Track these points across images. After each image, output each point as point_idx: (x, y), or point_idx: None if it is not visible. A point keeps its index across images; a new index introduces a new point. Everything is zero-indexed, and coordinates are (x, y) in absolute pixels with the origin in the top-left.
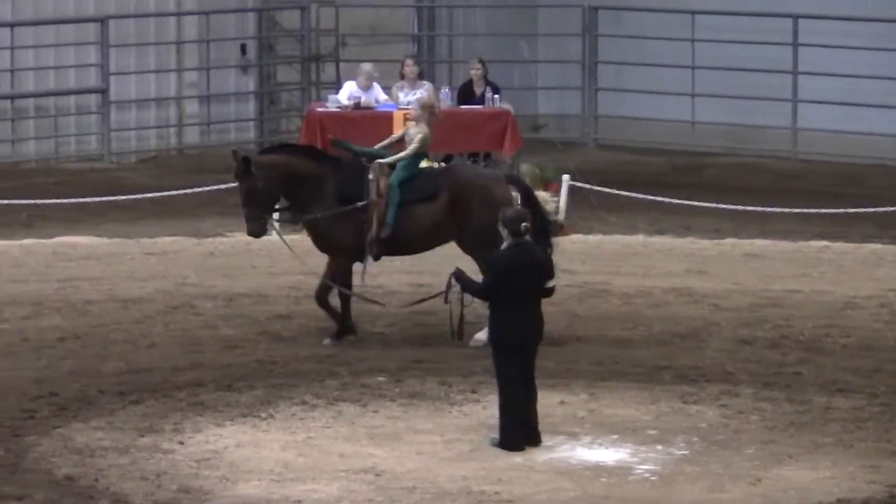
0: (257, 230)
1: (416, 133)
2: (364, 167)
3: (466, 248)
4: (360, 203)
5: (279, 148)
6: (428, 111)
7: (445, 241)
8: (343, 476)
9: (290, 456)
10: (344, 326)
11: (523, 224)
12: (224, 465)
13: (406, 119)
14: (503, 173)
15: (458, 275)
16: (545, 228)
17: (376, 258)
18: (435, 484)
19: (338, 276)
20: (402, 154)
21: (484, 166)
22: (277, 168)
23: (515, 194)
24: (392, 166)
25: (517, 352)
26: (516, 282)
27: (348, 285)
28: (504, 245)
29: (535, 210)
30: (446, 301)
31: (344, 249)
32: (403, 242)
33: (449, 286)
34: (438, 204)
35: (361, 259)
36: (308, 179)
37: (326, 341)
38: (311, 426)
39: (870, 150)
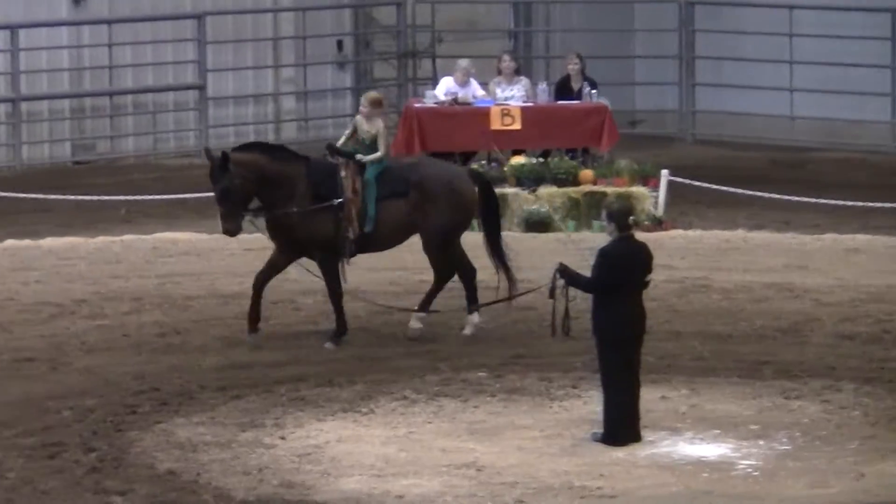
0: (233, 228)
1: (373, 129)
2: (334, 166)
3: (425, 241)
4: (337, 200)
5: (252, 146)
6: (378, 106)
7: (410, 236)
8: (444, 471)
9: (391, 451)
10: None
11: (631, 217)
12: (325, 460)
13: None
14: (467, 168)
15: (563, 269)
16: (497, 225)
17: (351, 256)
18: (536, 479)
19: (332, 273)
20: (377, 154)
21: (581, 161)
22: (254, 166)
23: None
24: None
25: (624, 345)
26: (625, 275)
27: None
28: (611, 239)
29: (493, 207)
30: (551, 296)
31: (324, 246)
32: (376, 239)
33: (554, 281)
34: (409, 200)
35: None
36: (282, 178)
37: (328, 345)
38: (412, 421)
39: None
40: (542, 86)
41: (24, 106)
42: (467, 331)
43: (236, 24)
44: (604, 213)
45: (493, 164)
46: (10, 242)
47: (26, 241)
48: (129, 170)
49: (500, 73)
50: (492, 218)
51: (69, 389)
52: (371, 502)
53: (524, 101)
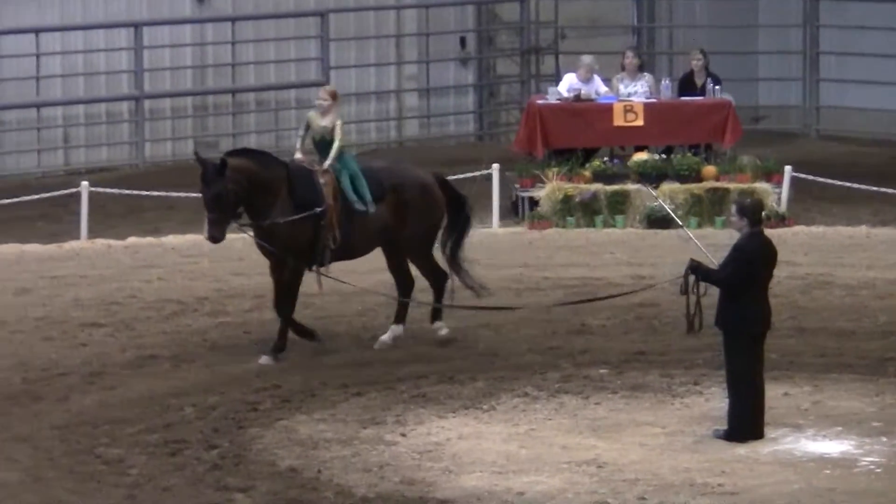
0: (220, 235)
1: (329, 124)
2: (310, 171)
3: (407, 248)
4: (319, 209)
5: (242, 152)
6: (335, 98)
7: (381, 243)
8: (566, 468)
9: (512, 448)
10: (299, 332)
11: (763, 212)
12: (446, 457)
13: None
14: (431, 172)
15: (696, 266)
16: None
17: (328, 264)
18: (658, 476)
19: (295, 283)
20: (333, 152)
21: (703, 158)
22: (248, 172)
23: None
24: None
25: (753, 341)
26: (758, 270)
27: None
28: (742, 234)
29: (465, 211)
30: (684, 292)
31: (303, 254)
32: (353, 246)
33: (687, 277)
34: (386, 206)
35: (316, 264)
36: (270, 185)
37: (263, 359)
38: (533, 418)
39: None
40: (666, 82)
41: (147, 104)
42: (443, 332)
43: (359, 21)
44: (734, 208)
45: (616, 161)
46: (132, 240)
47: (149, 239)
48: None
49: (623, 69)
50: (462, 222)
51: (191, 386)
52: (492, 499)
53: (647, 98)
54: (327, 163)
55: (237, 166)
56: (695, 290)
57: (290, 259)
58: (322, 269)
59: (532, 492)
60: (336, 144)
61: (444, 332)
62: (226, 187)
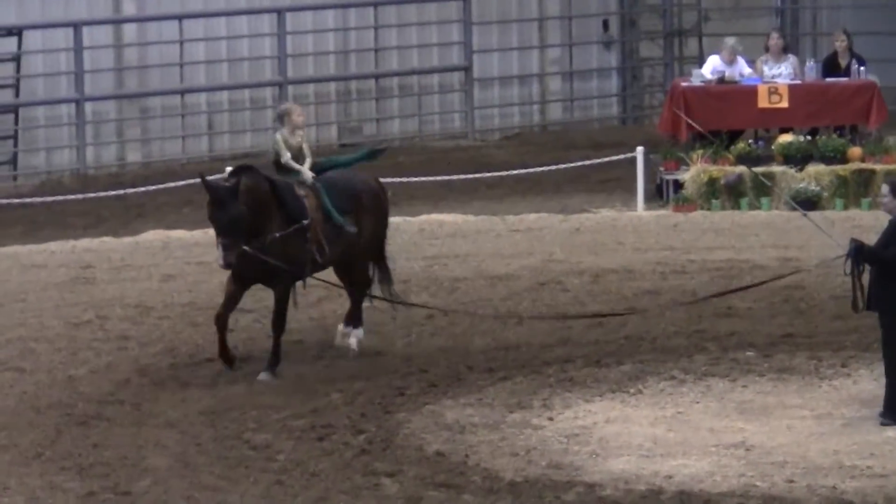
0: (234, 261)
1: (299, 141)
2: (292, 185)
3: (369, 254)
4: (305, 221)
5: (245, 171)
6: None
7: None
8: (713, 451)
9: (659, 431)
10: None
11: None
12: (594, 441)
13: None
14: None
15: (860, 245)
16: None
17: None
18: (806, 458)
19: (287, 298)
20: (308, 168)
21: (849, 140)
22: (258, 192)
23: None
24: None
25: None
26: None
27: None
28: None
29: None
30: (848, 273)
31: (300, 268)
32: (328, 259)
33: (851, 256)
34: (354, 215)
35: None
36: (270, 203)
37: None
38: (680, 401)
39: None
40: (810, 63)
41: (290, 89)
42: (353, 344)
43: (501, 5)
44: (886, 188)
45: (760, 143)
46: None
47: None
48: (394, 152)
49: (767, 50)
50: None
51: (338, 372)
52: (639, 483)
53: (792, 79)
54: (308, 178)
55: (249, 187)
56: (860, 269)
57: (284, 277)
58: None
59: (680, 475)
60: (309, 161)
61: (354, 344)
62: (241, 210)
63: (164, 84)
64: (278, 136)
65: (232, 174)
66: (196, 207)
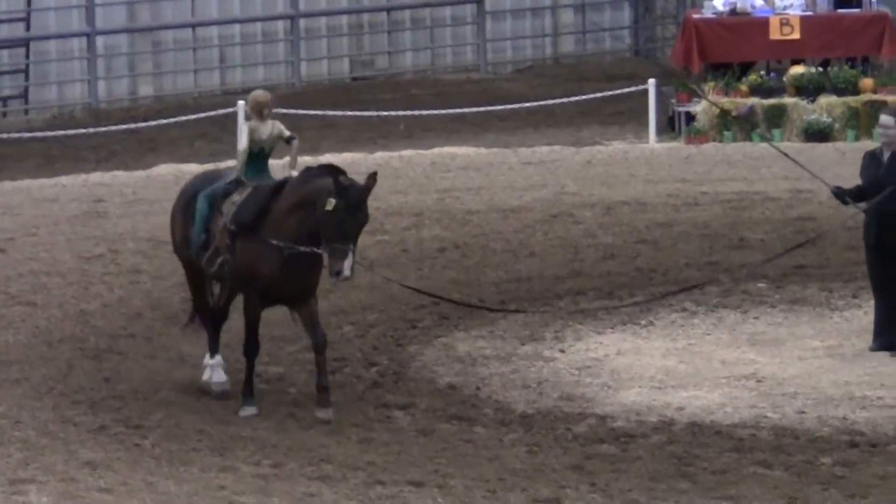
0: None
1: (274, 131)
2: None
3: None
4: None
5: (334, 170)
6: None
7: None
8: (724, 382)
9: (671, 363)
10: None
11: None
12: (605, 373)
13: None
14: None
15: (840, 191)
16: None
17: None
18: (817, 389)
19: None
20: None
21: (861, 71)
22: None
23: None
24: None
25: None
26: None
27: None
28: None
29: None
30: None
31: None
32: None
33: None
34: None
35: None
36: None
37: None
38: (692, 333)
39: None
40: None
41: (302, 23)
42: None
43: None
44: (891, 119)
45: (772, 75)
46: (288, 159)
47: (307, 158)
48: (407, 85)
49: None
50: None
51: (350, 305)
52: (651, 414)
53: (803, 11)
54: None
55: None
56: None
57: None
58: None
59: (691, 406)
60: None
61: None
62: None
63: (175, 17)
64: (249, 126)
65: (320, 174)
66: (209, 140)
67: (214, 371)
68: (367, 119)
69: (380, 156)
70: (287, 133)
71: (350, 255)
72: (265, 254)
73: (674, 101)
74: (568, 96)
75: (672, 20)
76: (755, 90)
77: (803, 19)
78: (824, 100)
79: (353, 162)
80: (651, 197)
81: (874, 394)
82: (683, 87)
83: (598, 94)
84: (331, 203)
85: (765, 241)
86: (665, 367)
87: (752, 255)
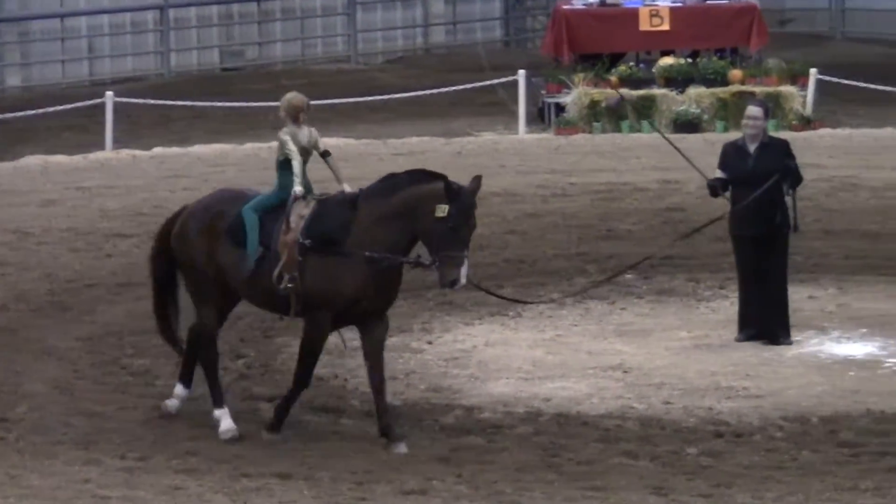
0: None
1: (313, 136)
2: None
3: None
4: None
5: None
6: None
7: None
8: (591, 373)
9: (538, 354)
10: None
11: None
12: (473, 364)
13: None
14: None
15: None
16: None
17: None
18: (683, 380)
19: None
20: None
21: (730, 62)
22: None
23: None
24: None
25: None
26: None
27: None
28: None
29: None
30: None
31: None
32: None
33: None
34: None
35: None
36: None
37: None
38: (560, 324)
39: None
40: None
41: (171, 13)
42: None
43: None
44: (758, 110)
45: (642, 65)
46: (158, 150)
47: (175, 149)
48: (277, 76)
49: None
50: None
51: None
52: (518, 405)
53: (673, 2)
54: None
55: None
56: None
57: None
58: None
59: (558, 397)
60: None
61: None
62: None
63: (44, 7)
64: (288, 132)
65: (416, 179)
66: (77, 132)
67: (223, 419)
68: (237, 110)
69: (250, 147)
70: (322, 146)
71: (465, 263)
72: (350, 268)
73: (544, 92)
74: (439, 87)
75: (542, 11)
76: (624, 81)
77: (673, 10)
78: (693, 90)
79: (222, 153)
80: (521, 187)
81: (740, 384)
82: (553, 78)
83: (469, 85)
84: (443, 209)
85: (633, 232)
86: (532, 358)
87: (621, 246)
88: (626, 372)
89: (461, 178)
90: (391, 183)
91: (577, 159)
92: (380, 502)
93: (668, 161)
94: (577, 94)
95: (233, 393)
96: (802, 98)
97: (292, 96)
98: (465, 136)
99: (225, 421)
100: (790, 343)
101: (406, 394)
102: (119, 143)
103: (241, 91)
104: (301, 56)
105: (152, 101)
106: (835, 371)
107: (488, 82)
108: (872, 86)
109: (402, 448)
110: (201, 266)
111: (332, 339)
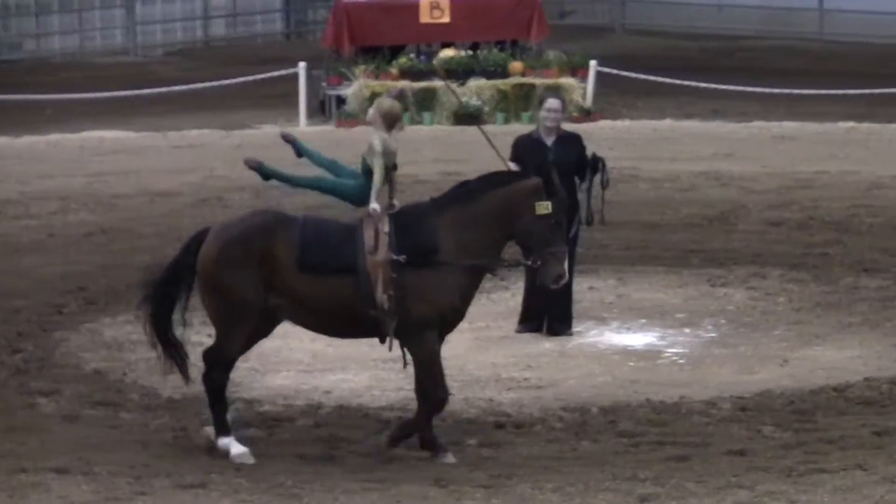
0: None
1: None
2: None
3: None
4: None
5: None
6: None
7: None
8: (372, 365)
9: (318, 347)
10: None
11: None
12: (252, 357)
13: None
14: None
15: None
16: None
17: None
18: (464, 371)
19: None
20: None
21: (510, 54)
22: None
23: None
24: None
25: None
26: None
27: None
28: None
29: None
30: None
31: None
32: None
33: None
34: None
35: None
36: None
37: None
38: None
39: None
40: None
41: None
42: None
43: None
44: (556, 102)
45: (422, 58)
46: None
47: None
48: (56, 68)
49: None
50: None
51: None
52: (299, 398)
53: None
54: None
55: None
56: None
57: None
58: None
59: (339, 389)
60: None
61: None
62: None
63: None
64: (381, 139)
65: (505, 179)
66: None
67: (232, 447)
68: (13, 103)
69: (26, 140)
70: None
71: (565, 262)
72: (453, 278)
73: (325, 84)
74: (219, 79)
75: (323, 3)
76: (405, 73)
77: (453, 3)
78: (474, 83)
79: (5, 146)
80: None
81: (520, 375)
82: (334, 71)
83: (249, 78)
84: (545, 206)
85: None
86: (313, 351)
87: None
88: (407, 363)
89: (241, 171)
90: (467, 189)
91: (357, 152)
92: (158, 496)
93: (449, 153)
94: (357, 87)
95: (9, 388)
96: (582, 90)
97: (391, 104)
98: (244, 129)
99: (234, 447)
100: (571, 334)
101: (185, 387)
102: None
103: (19, 84)
104: (79, 49)
105: None
106: (614, 361)
107: (268, 74)
108: (651, 77)
109: (449, 458)
110: (247, 295)
111: (104, 331)
